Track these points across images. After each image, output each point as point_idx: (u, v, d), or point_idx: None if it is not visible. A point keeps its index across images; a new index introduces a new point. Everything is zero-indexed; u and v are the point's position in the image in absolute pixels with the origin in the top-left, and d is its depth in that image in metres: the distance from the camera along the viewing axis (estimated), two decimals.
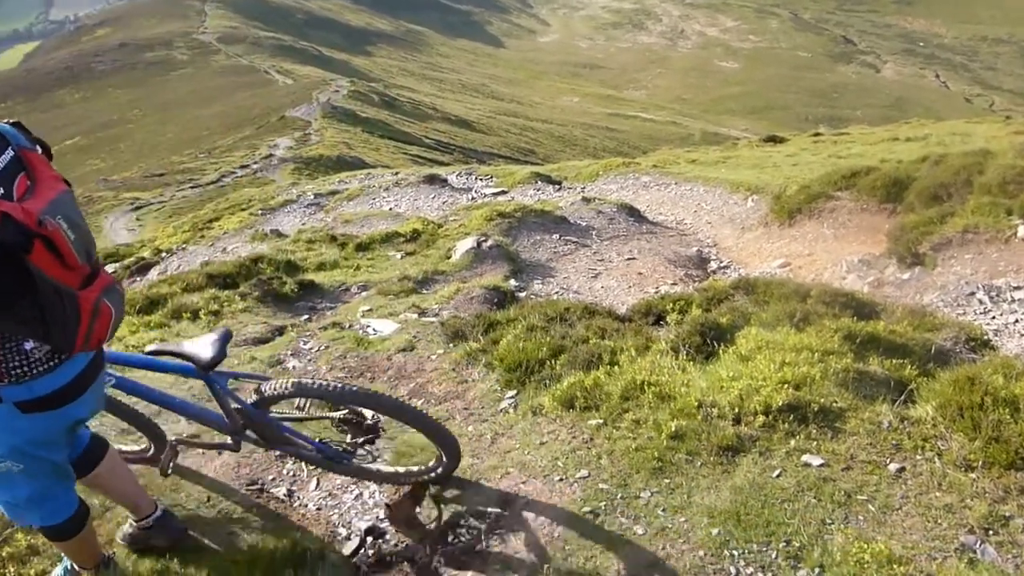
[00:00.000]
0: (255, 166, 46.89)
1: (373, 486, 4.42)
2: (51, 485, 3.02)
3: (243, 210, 23.25)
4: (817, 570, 3.02)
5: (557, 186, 18.02)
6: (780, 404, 3.98)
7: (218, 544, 3.75)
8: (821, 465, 3.60)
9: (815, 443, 3.77)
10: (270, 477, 4.54)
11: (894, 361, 4.48)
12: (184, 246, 18.60)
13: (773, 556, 3.15)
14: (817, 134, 26.19)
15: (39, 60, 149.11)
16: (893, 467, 3.52)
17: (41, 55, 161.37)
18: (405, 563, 3.81)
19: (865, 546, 3.00)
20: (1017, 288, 7.02)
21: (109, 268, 17.79)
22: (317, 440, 3.94)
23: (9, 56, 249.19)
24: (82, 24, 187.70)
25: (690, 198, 14.43)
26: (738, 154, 20.92)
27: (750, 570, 3.11)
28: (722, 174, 15.50)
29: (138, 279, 15.55)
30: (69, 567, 3.43)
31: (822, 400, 4.01)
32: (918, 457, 3.56)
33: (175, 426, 4.51)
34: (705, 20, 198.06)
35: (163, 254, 17.79)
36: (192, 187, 45.67)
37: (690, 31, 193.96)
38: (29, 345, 2.70)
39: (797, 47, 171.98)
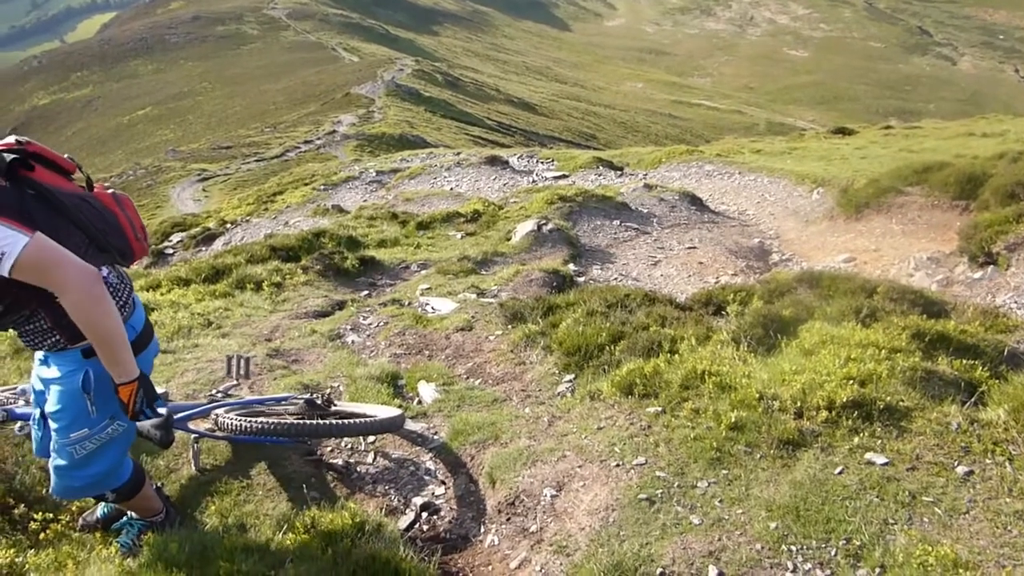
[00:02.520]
0: (318, 142, 47.38)
1: (430, 463, 4.47)
2: (126, 448, 3.25)
3: (306, 185, 23.58)
4: (878, 570, 2.96)
5: (619, 172, 17.89)
6: (844, 400, 3.90)
7: (277, 511, 3.82)
8: (885, 464, 3.53)
9: (879, 441, 3.69)
10: (328, 448, 4.61)
11: (964, 362, 4.36)
12: (248, 218, 18.95)
13: (832, 553, 3.10)
14: (888, 127, 25.50)
15: (115, 31, 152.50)
16: (961, 470, 3.43)
17: (117, 26, 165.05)
18: (459, 539, 3.85)
19: (929, 548, 2.92)
20: None
21: (175, 237, 18.22)
22: None
23: (86, 26, 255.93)
24: None
25: (753, 188, 14.20)
26: (804, 145, 20.50)
27: (808, 566, 3.07)
28: (787, 165, 15.21)
29: (203, 248, 15.90)
30: (137, 524, 3.55)
31: (888, 398, 3.92)
32: (988, 461, 3.46)
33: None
34: (776, 7, 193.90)
35: (228, 225, 18.16)
36: (257, 160, 46.37)
37: (759, 18, 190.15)
38: (113, 278, 3.01)
39: (870, 37, 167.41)
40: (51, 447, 3.08)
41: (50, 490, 3.23)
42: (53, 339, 2.90)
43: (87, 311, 2.68)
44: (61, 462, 3.07)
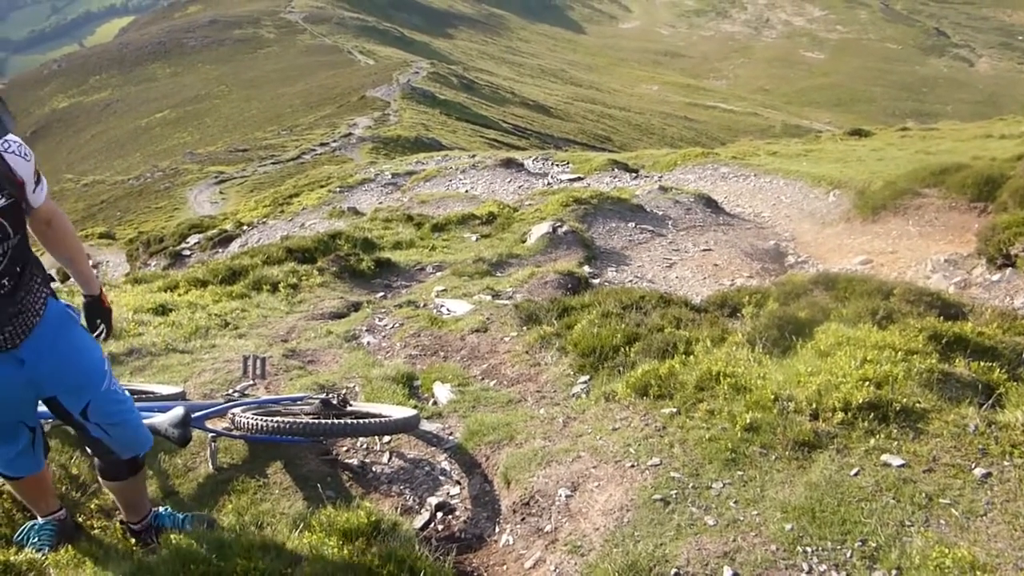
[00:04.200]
0: (334, 144, 47.52)
1: (445, 463, 4.48)
2: None
3: (322, 187, 23.69)
4: (894, 572, 2.95)
5: (634, 174, 17.87)
6: (860, 402, 3.88)
7: (294, 510, 3.85)
8: (901, 466, 3.51)
9: (896, 443, 3.67)
10: (344, 448, 4.64)
11: (982, 364, 4.32)
12: (264, 220, 19.06)
13: (848, 555, 3.09)
14: (904, 129, 25.33)
15: (133, 35, 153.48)
16: (978, 472, 3.41)
17: (135, 30, 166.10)
18: (474, 539, 3.86)
19: (946, 551, 2.91)
20: None
21: (193, 239, 18.34)
22: None
23: (105, 30, 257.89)
24: (175, 0, 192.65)
25: (769, 191, 14.15)
26: (821, 147, 20.40)
27: (823, 567, 3.06)
28: (803, 167, 15.15)
29: (220, 250, 16.01)
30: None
31: (904, 400, 3.90)
32: (1006, 463, 3.44)
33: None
34: (792, 9, 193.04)
35: (244, 227, 18.27)
36: (273, 163, 46.58)
37: (775, 20, 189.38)
38: None
39: (886, 39, 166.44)
40: (104, 415, 3.11)
41: (136, 452, 3.27)
42: (43, 295, 2.99)
43: (72, 233, 3.19)
44: (125, 417, 3.19)
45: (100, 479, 3.47)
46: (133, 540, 3.51)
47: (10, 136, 2.76)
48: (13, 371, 2.93)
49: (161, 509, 3.69)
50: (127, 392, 3.30)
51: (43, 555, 3.29)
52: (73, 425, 3.18)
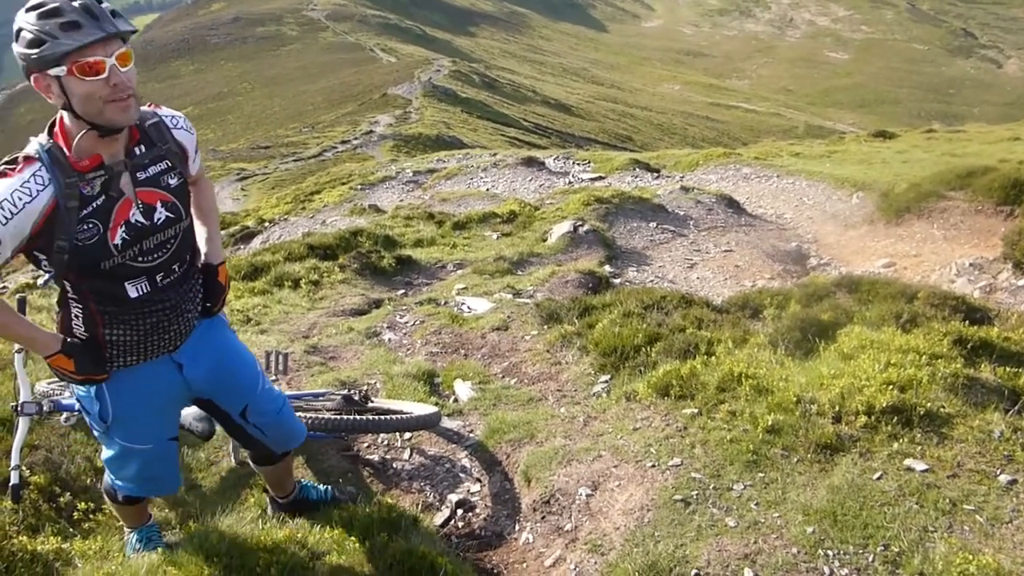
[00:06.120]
0: (356, 142, 47.57)
1: (466, 460, 4.50)
2: None
3: (343, 184, 23.77)
4: None
5: (655, 174, 17.80)
6: (884, 405, 3.86)
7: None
8: (925, 471, 3.49)
9: (919, 448, 3.64)
10: (365, 444, 4.66)
11: (1008, 369, 4.27)
12: (286, 217, 19.16)
13: (870, 559, 3.07)
14: (930, 131, 25.05)
15: (157, 32, 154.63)
16: (1004, 478, 3.38)
17: (159, 27, 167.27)
18: (494, 537, 3.87)
19: (970, 557, 2.89)
20: None
21: None
22: None
23: None
24: None
25: (792, 192, 14.05)
26: (844, 148, 20.23)
27: (845, 571, 3.05)
28: (826, 169, 15.03)
29: (242, 247, 16.10)
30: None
31: (929, 404, 3.87)
32: None
33: None
34: (816, 9, 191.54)
35: (266, 224, 18.36)
36: (295, 160, 46.71)
37: (799, 20, 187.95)
38: None
39: (913, 39, 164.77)
40: (261, 415, 3.13)
41: (291, 447, 3.35)
42: (199, 291, 2.94)
43: (214, 195, 3.18)
44: (281, 417, 3.21)
45: (250, 462, 3.54)
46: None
47: (175, 112, 2.79)
48: (174, 377, 2.89)
49: (305, 481, 3.82)
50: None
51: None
52: (229, 425, 3.17)
